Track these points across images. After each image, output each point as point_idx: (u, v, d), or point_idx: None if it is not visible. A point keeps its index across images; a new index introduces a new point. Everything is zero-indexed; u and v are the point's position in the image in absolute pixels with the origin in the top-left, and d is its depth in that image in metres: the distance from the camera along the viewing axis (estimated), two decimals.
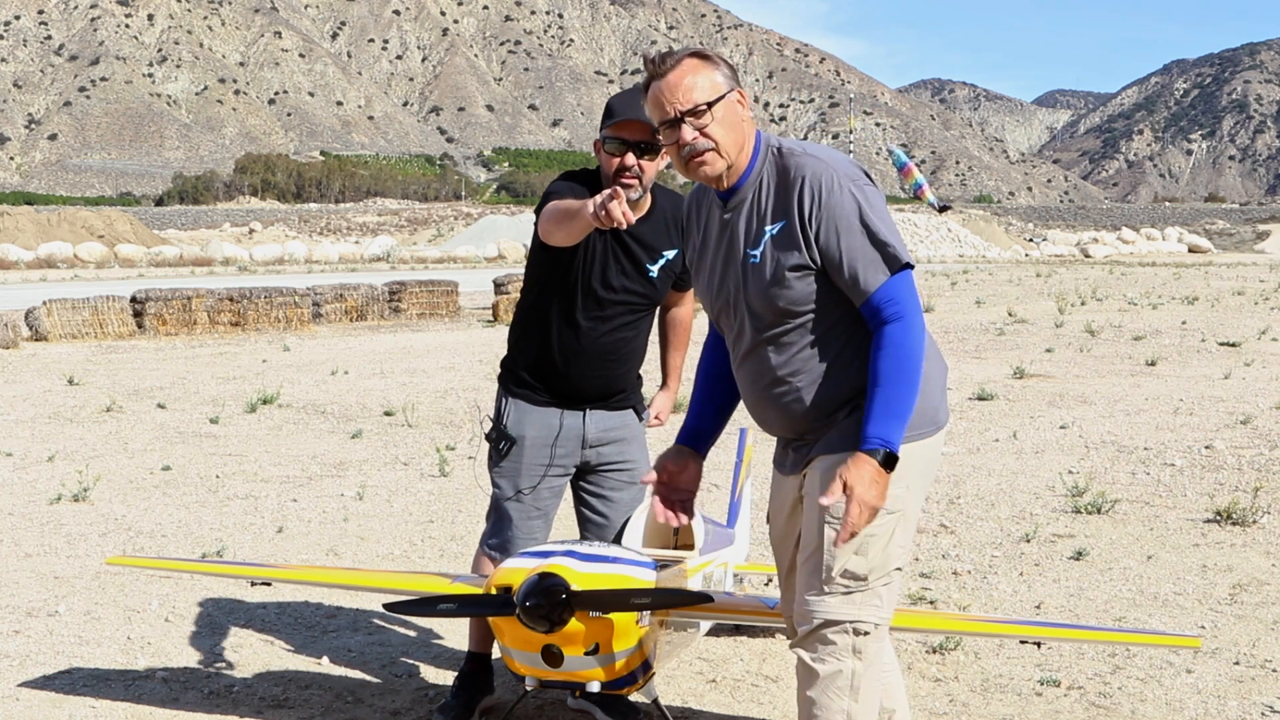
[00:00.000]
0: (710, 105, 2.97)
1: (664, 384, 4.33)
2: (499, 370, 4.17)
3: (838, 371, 3.00)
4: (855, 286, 2.92)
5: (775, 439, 3.23)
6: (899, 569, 3.02)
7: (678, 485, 3.27)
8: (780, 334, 3.02)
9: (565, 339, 3.96)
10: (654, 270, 3.97)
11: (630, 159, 3.80)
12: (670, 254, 4.01)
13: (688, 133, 2.97)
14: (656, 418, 4.28)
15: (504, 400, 4.09)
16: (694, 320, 4.39)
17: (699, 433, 3.31)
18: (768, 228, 2.98)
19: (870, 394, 2.89)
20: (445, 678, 4.62)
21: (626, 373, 4.07)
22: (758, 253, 2.99)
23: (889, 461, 2.86)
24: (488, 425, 4.15)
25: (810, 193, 2.93)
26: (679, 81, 2.97)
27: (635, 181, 3.82)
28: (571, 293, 3.93)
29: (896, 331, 2.89)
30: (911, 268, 2.96)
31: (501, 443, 4.04)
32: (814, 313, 2.98)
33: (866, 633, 2.97)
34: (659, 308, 4.24)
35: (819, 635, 2.97)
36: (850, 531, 2.87)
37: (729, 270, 3.06)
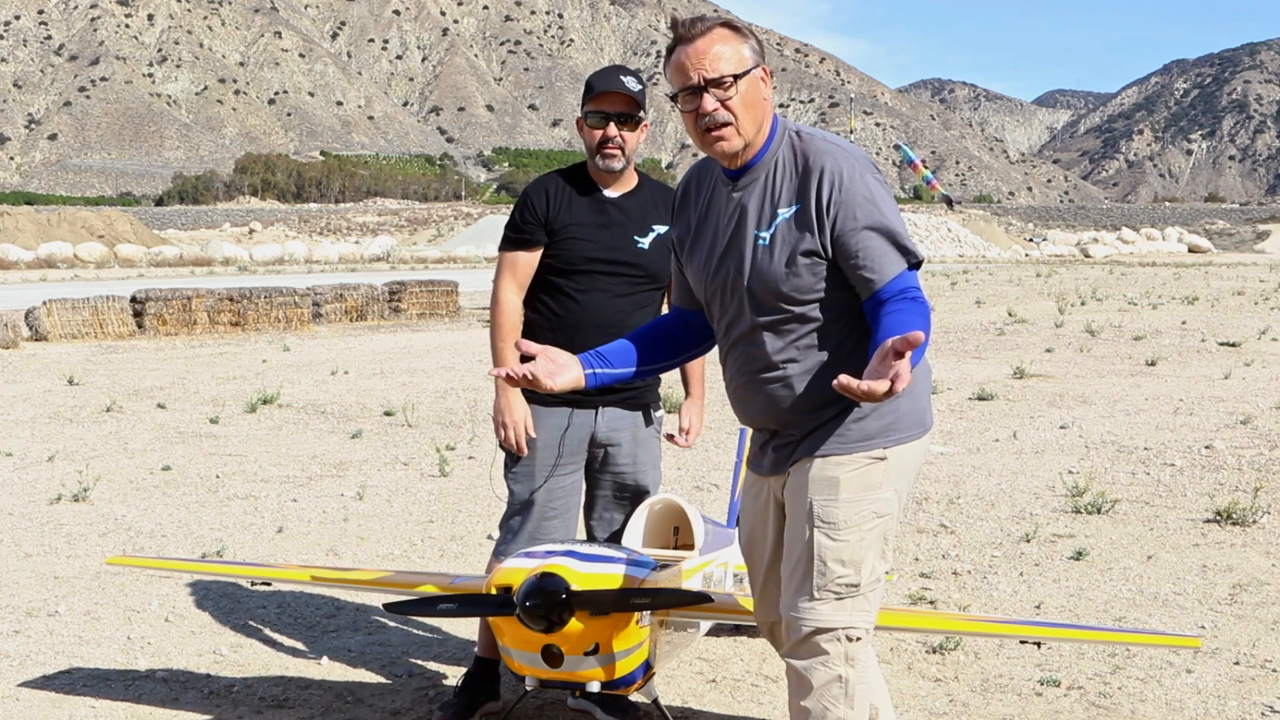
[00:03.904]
0: (736, 78, 2.88)
1: (689, 393, 4.29)
2: None
3: (832, 366, 2.93)
4: (866, 279, 2.85)
5: (752, 441, 3.19)
6: (887, 572, 3.01)
7: (548, 362, 2.98)
8: (779, 320, 2.94)
9: (565, 315, 4.01)
10: (644, 243, 4.04)
11: (612, 130, 3.94)
12: (661, 228, 4.07)
13: (709, 102, 2.89)
14: (685, 431, 4.21)
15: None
16: None
17: (598, 357, 3.10)
18: (781, 211, 2.91)
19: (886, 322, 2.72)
20: (446, 678, 4.62)
21: None
22: (767, 235, 2.92)
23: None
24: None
25: (830, 179, 2.86)
26: (707, 49, 2.88)
27: (618, 152, 3.95)
28: (564, 270, 4.01)
29: (921, 312, 2.77)
30: (920, 264, 2.90)
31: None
32: (816, 302, 2.91)
33: (859, 638, 2.92)
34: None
35: (811, 643, 2.92)
36: (896, 378, 2.52)
37: (731, 251, 2.98)
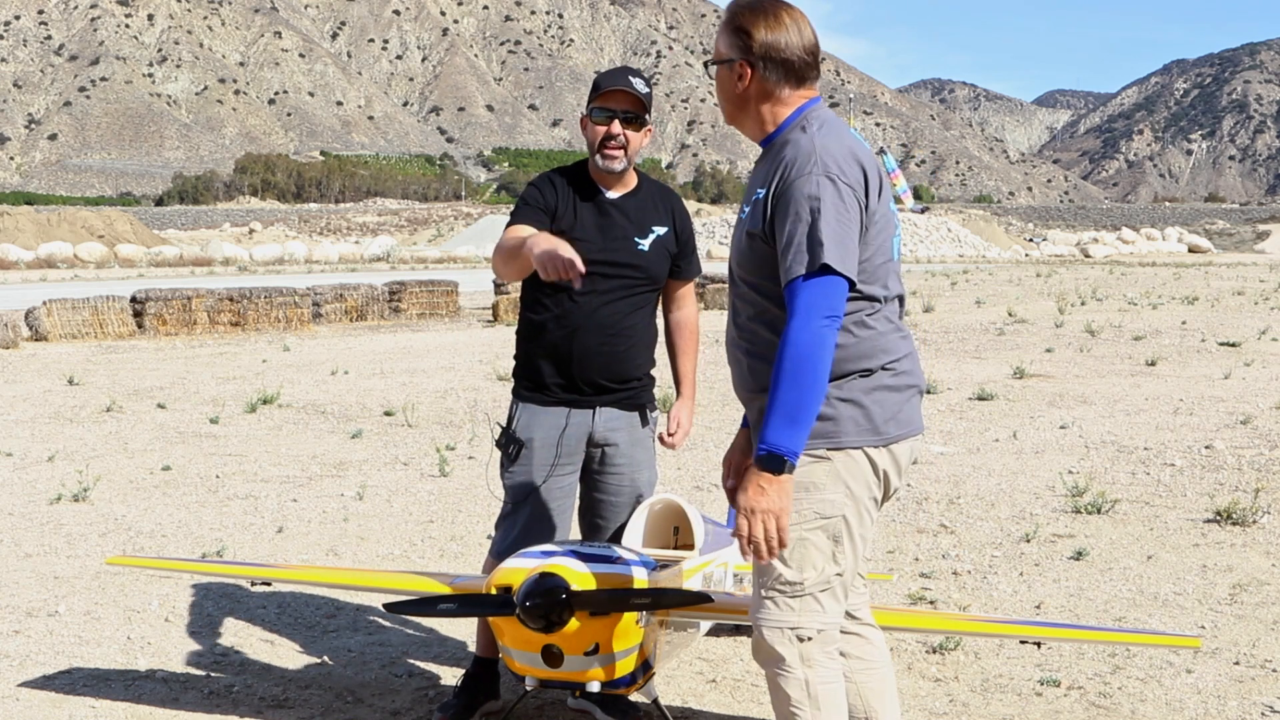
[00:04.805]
0: (714, 64, 3.09)
1: (679, 393, 4.27)
2: (512, 379, 4.17)
3: (771, 356, 2.95)
4: (783, 271, 2.90)
5: None
6: (839, 574, 2.97)
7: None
8: (741, 294, 3.08)
9: (564, 315, 3.99)
10: (644, 244, 4.03)
11: (616, 128, 3.95)
12: (660, 230, 4.07)
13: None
14: (671, 433, 4.17)
15: (515, 406, 4.12)
16: (700, 324, 4.36)
17: None
18: (758, 191, 3.00)
19: (768, 395, 2.86)
20: (446, 678, 4.62)
21: (629, 351, 4.03)
22: (745, 211, 3.04)
23: (773, 463, 2.80)
24: (499, 433, 4.13)
25: (784, 169, 2.92)
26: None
27: (620, 151, 3.95)
28: None
29: (791, 331, 2.82)
30: (839, 275, 2.83)
31: (510, 446, 4.05)
32: (765, 286, 2.99)
33: (809, 638, 2.94)
34: (665, 312, 4.24)
35: (765, 645, 2.97)
36: (747, 541, 2.85)
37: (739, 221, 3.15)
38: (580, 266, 3.46)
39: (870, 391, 2.96)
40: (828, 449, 2.94)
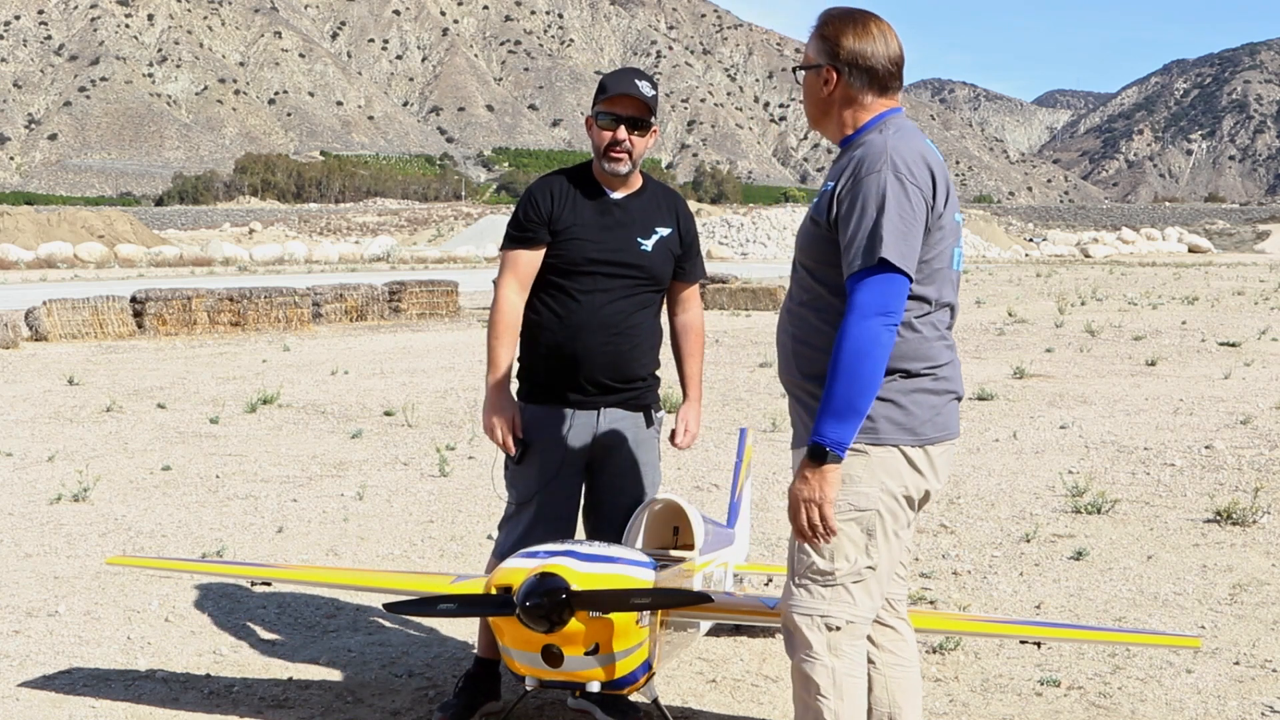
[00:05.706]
0: (802, 69, 3.19)
1: (686, 396, 4.28)
2: (515, 382, 4.16)
3: (817, 343, 3.02)
4: (845, 266, 2.95)
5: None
6: (872, 568, 3.01)
7: None
8: (797, 278, 3.14)
9: (568, 315, 3.99)
10: (647, 245, 4.04)
11: (621, 133, 3.94)
12: (664, 230, 4.08)
13: None
14: (686, 431, 4.19)
15: (519, 407, 4.10)
16: (704, 326, 4.36)
17: None
18: (828, 183, 3.08)
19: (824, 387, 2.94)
20: (446, 678, 4.62)
21: (633, 351, 4.03)
22: (815, 202, 3.11)
23: (816, 454, 2.88)
24: None
25: (854, 167, 2.99)
26: None
27: (625, 156, 3.95)
28: (567, 271, 3.99)
29: (846, 326, 2.87)
30: (898, 271, 2.87)
31: (515, 449, 4.04)
32: (819, 271, 3.05)
33: (838, 628, 2.98)
34: (670, 315, 4.24)
35: (795, 633, 3.01)
36: (797, 528, 2.95)
37: None
38: (511, 448, 3.98)
39: (909, 393, 3.01)
40: (866, 444, 2.99)
